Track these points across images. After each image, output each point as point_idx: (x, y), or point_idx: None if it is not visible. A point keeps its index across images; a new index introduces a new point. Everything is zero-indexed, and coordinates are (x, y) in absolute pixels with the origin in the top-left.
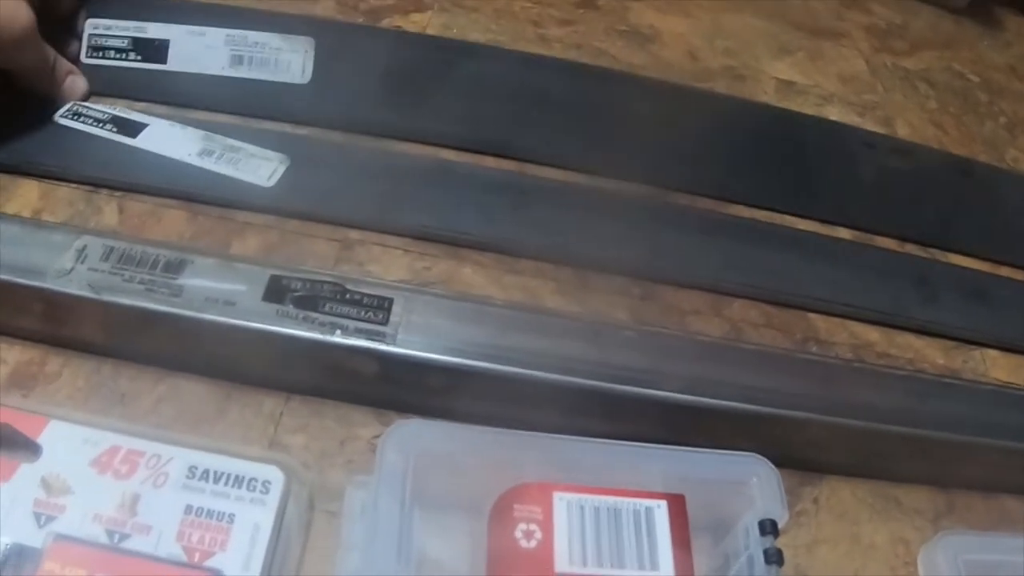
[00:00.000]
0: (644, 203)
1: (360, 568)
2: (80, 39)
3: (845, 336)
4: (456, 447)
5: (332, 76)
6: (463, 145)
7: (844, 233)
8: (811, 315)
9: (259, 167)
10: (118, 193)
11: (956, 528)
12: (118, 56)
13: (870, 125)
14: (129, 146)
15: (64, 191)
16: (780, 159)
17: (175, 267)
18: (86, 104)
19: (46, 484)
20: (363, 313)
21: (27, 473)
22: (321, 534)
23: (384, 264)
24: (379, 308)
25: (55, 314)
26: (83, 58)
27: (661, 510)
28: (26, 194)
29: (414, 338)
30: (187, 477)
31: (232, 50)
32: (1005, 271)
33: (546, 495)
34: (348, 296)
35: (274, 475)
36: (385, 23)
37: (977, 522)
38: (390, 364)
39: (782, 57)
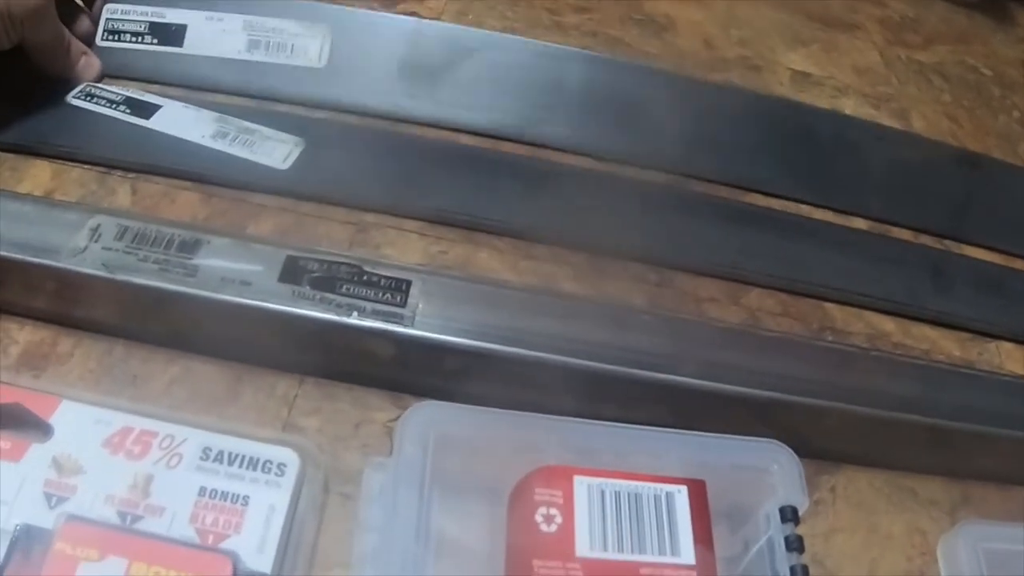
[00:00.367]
0: (661, 190)
1: (379, 549)
2: (96, 23)
3: (861, 326)
4: (476, 430)
5: (348, 61)
6: (478, 131)
7: (860, 223)
8: (827, 304)
9: (274, 149)
10: (131, 174)
11: (973, 519)
12: (134, 39)
13: (885, 118)
14: (142, 127)
15: (76, 172)
16: (797, 149)
17: (190, 247)
18: (99, 85)
19: (57, 464)
20: (381, 295)
21: (38, 453)
22: (336, 517)
23: (399, 248)
24: (397, 290)
25: (68, 293)
26: (98, 41)
27: (682, 495)
28: (38, 175)
29: (432, 320)
30: (201, 459)
31: (249, 35)
32: (1020, 264)
33: (567, 479)
34: (365, 278)
35: (289, 457)
36: (401, 8)
37: (993, 514)
38: (407, 347)
39: (796, 48)
